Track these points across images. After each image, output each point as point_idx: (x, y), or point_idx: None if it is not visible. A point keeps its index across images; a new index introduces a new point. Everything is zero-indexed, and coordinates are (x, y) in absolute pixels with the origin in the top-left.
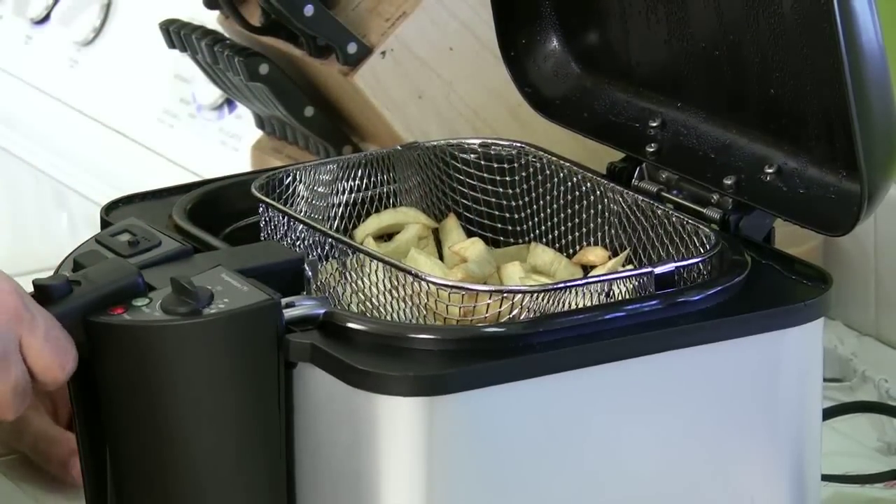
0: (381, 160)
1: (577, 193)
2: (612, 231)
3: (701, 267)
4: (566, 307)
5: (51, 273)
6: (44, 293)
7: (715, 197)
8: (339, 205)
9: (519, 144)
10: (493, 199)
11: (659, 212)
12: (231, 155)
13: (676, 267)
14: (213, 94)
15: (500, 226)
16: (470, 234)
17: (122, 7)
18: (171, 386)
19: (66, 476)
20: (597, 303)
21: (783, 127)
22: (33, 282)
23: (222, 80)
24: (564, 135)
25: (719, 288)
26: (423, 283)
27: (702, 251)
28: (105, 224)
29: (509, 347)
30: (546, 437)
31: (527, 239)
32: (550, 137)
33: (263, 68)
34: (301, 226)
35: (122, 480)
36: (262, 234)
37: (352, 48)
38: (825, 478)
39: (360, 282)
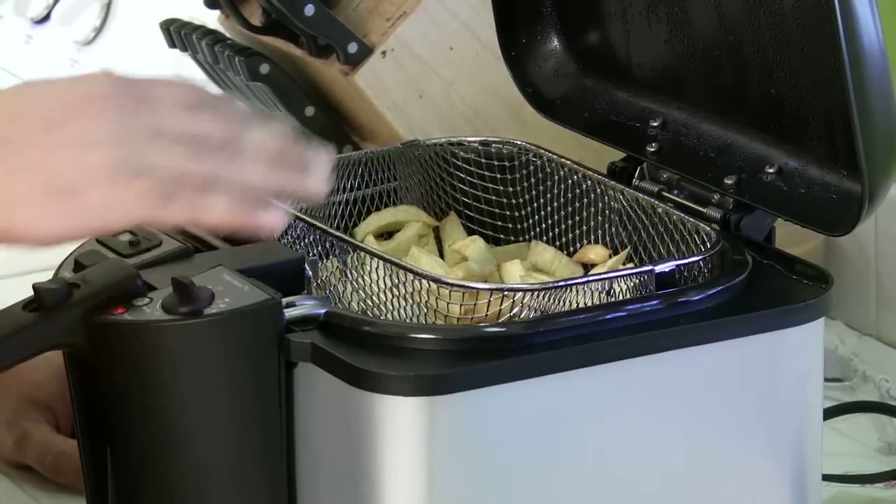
0: (381, 158)
1: (578, 192)
2: (613, 229)
3: (702, 265)
4: (567, 305)
5: (51, 273)
6: (43, 297)
7: (716, 197)
8: (340, 203)
9: (519, 143)
10: (494, 198)
11: (659, 210)
12: None
13: (677, 265)
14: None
15: (500, 224)
16: (470, 233)
17: (123, 6)
18: (171, 386)
19: (80, 485)
20: (597, 301)
21: (784, 127)
22: (33, 286)
23: (223, 80)
24: (565, 134)
25: (720, 287)
26: (423, 281)
27: (702, 250)
28: None
29: (510, 347)
30: (547, 436)
31: (527, 237)
32: (551, 137)
33: (264, 68)
34: (301, 224)
35: (123, 480)
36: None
37: (352, 48)
38: (826, 478)
39: (360, 280)
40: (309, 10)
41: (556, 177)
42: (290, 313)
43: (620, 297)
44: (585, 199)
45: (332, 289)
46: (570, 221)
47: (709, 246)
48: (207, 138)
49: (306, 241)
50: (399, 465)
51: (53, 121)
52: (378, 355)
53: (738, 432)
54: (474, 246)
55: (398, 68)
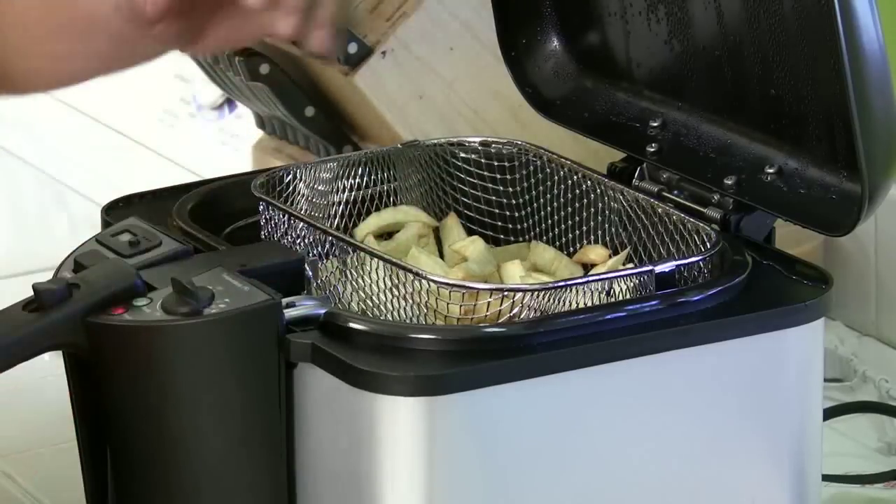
0: (381, 158)
1: (578, 192)
2: (613, 230)
3: (702, 266)
4: (567, 306)
5: (51, 273)
6: (43, 298)
7: (716, 197)
8: (340, 203)
9: (519, 143)
10: (494, 198)
11: (659, 210)
12: (231, 155)
13: (677, 265)
14: (214, 93)
15: (500, 224)
16: (470, 233)
17: None
18: (171, 386)
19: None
20: (597, 301)
21: (784, 127)
22: (33, 286)
23: (223, 80)
24: (565, 135)
25: (720, 288)
26: (423, 281)
27: (702, 250)
28: (105, 224)
29: (510, 347)
30: (546, 436)
31: (527, 237)
32: (551, 138)
33: (264, 68)
34: (301, 224)
35: (122, 480)
36: (262, 233)
37: (352, 48)
38: (826, 478)
39: (360, 280)
40: None
41: (556, 177)
42: (290, 314)
43: (620, 298)
44: (585, 200)
45: (332, 289)
46: (570, 222)
47: (709, 246)
48: None
49: (306, 241)
50: (399, 465)
51: None
52: (378, 355)
53: (739, 432)
54: (474, 246)
55: (398, 69)
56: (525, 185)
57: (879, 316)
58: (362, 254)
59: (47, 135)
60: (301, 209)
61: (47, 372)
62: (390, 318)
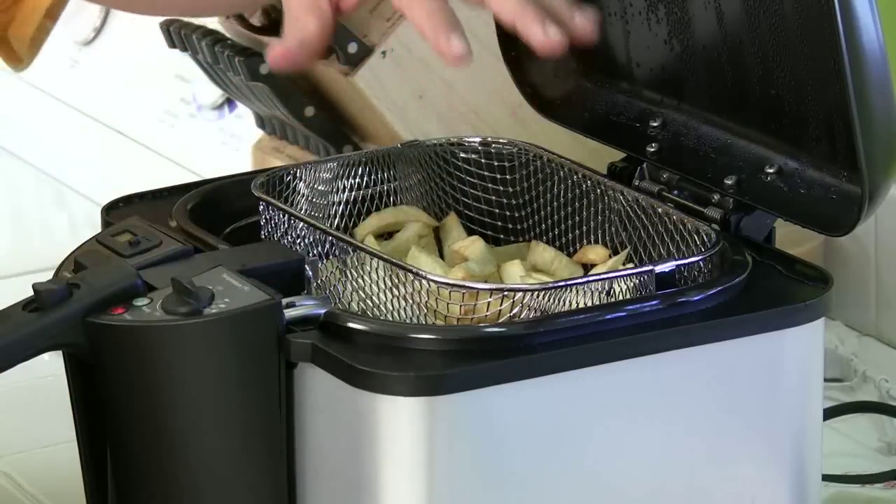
0: (381, 158)
1: (578, 192)
2: (613, 229)
3: (702, 266)
4: (567, 306)
5: (51, 273)
6: (43, 298)
7: (716, 197)
8: (340, 203)
9: (519, 143)
10: (494, 198)
11: (659, 210)
12: (231, 155)
13: (677, 265)
14: (214, 93)
15: (500, 224)
16: (470, 233)
17: None
18: (171, 386)
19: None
20: (597, 301)
21: (784, 127)
22: (33, 286)
23: (223, 80)
24: (565, 135)
25: (720, 288)
26: (423, 281)
27: (702, 250)
28: (105, 224)
29: (510, 347)
30: (547, 436)
31: (527, 237)
32: (551, 138)
33: (264, 68)
34: (301, 224)
35: (122, 481)
36: (262, 233)
37: (352, 48)
38: (826, 478)
39: (360, 280)
40: None
41: (556, 177)
42: (290, 313)
43: (620, 298)
44: (585, 200)
45: (332, 289)
46: (570, 222)
47: (709, 246)
48: None
49: (306, 241)
50: (399, 465)
51: None
52: (378, 355)
53: (738, 432)
54: (474, 246)
55: (398, 69)
56: (525, 185)
57: (879, 316)
58: (362, 254)
59: (47, 135)
60: (301, 209)
61: (47, 372)
62: (390, 318)
